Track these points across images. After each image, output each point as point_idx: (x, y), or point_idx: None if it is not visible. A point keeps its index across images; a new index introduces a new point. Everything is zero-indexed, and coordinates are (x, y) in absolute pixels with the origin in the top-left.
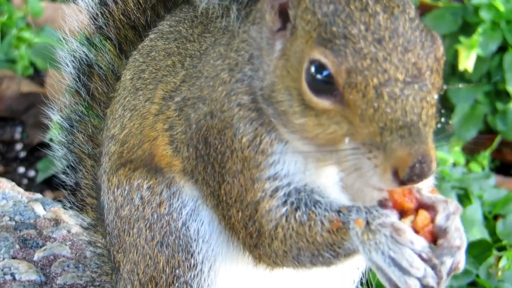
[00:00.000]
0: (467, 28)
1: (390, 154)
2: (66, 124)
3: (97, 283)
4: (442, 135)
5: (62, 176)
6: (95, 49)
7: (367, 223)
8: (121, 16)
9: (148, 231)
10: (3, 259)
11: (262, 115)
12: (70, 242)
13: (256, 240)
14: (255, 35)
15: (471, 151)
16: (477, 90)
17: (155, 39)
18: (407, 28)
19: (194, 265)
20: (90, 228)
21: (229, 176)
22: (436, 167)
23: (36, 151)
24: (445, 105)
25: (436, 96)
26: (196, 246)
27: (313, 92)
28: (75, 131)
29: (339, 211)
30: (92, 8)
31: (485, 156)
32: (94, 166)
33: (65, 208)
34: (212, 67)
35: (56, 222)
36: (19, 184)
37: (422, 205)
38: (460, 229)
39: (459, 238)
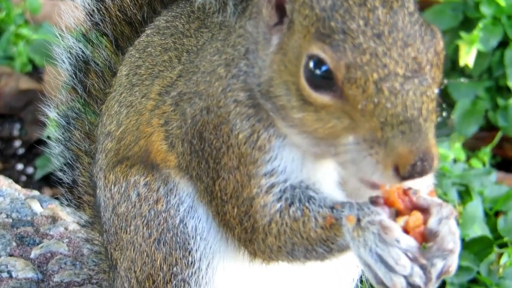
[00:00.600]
0: (467, 24)
1: (391, 150)
2: (63, 121)
3: (95, 281)
4: (443, 130)
5: (59, 174)
6: (91, 46)
7: (358, 220)
8: (118, 12)
9: (145, 228)
10: (0, 256)
11: (259, 111)
12: (67, 240)
13: (250, 235)
14: (252, 29)
15: (472, 147)
16: (478, 86)
17: (152, 35)
18: (407, 23)
19: (191, 263)
20: (87, 226)
21: (225, 172)
22: (438, 163)
23: (35, 148)
24: (446, 101)
25: (436, 91)
26: (193, 243)
27: (312, 87)
28: (71, 128)
29: (332, 208)
30: (88, 4)
31: (486, 152)
32: (91, 163)
33: (62, 205)
34: (209, 62)
35: (53, 219)
36: (17, 181)
37: (418, 207)
38: (455, 233)
39: (452, 241)
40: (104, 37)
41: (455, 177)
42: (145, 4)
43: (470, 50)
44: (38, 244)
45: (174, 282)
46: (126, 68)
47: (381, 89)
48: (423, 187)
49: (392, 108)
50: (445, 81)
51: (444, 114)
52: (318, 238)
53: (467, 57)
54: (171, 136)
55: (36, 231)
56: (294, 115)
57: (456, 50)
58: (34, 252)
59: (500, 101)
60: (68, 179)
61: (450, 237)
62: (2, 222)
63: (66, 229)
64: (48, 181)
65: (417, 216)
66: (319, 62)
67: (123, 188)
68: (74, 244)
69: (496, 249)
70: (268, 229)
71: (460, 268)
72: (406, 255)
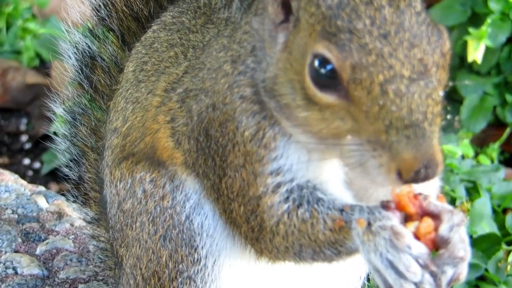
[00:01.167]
0: (476, 19)
1: (395, 155)
2: (69, 117)
3: (100, 278)
4: (450, 129)
5: (65, 170)
6: (98, 41)
7: (369, 224)
8: (124, 8)
9: (151, 225)
10: (5, 252)
11: (264, 108)
12: (73, 236)
13: (257, 234)
14: (258, 26)
15: (480, 143)
16: (486, 82)
17: (158, 31)
18: (413, 23)
19: (197, 260)
20: (93, 222)
21: (231, 170)
22: (442, 169)
23: (42, 143)
24: (454, 97)
25: (441, 93)
26: (200, 240)
27: (316, 86)
28: (78, 124)
29: (342, 210)
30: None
31: (494, 149)
32: (97, 160)
33: (68, 201)
34: (215, 59)
35: (59, 215)
36: (24, 176)
37: (428, 213)
38: (465, 240)
39: (463, 249)
40: (110, 32)
41: (463, 174)
42: None
43: (479, 46)
44: (43, 240)
45: (180, 279)
46: (133, 64)
47: (386, 91)
48: (431, 190)
49: (397, 111)
50: (451, 83)
51: (449, 116)
52: (326, 241)
53: (476, 53)
54: (177, 133)
55: (42, 227)
56: (299, 114)
57: (464, 46)
58: (40, 249)
59: (509, 97)
60: (74, 175)
61: (461, 244)
62: (8, 218)
63: (72, 225)
64: (55, 176)
65: (428, 223)
66: (324, 61)
67: (128, 185)
68: (80, 241)
69: (504, 246)
70: (276, 229)
71: (468, 265)
72: (417, 261)
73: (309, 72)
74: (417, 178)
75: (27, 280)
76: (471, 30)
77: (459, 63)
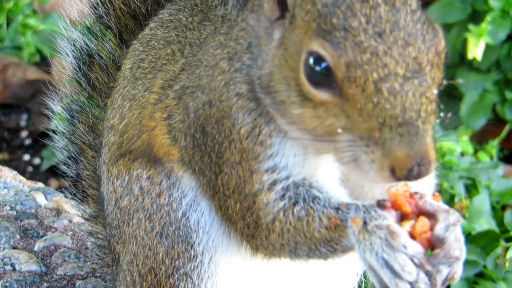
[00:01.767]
0: (476, 16)
1: (388, 152)
2: (67, 115)
3: (98, 274)
4: (447, 126)
5: (63, 167)
6: (95, 39)
7: (364, 223)
8: (122, 5)
9: (147, 221)
10: (3, 249)
11: (260, 105)
12: (71, 232)
13: (253, 230)
14: (253, 23)
15: (479, 140)
16: (486, 79)
17: (155, 28)
18: (408, 21)
19: (194, 256)
20: (91, 219)
21: (227, 167)
22: (435, 167)
23: (42, 139)
24: (454, 94)
25: (436, 91)
26: (196, 237)
27: (311, 83)
28: (75, 121)
29: (337, 208)
30: None
31: (493, 146)
32: (95, 157)
33: (66, 198)
34: (211, 56)
35: (58, 212)
36: (24, 172)
37: (424, 212)
38: (461, 240)
39: (458, 249)
40: (108, 30)
41: (462, 171)
42: None
43: (479, 43)
44: (42, 237)
45: (176, 275)
46: (130, 61)
47: (380, 89)
48: (427, 189)
49: (391, 109)
50: (451, 81)
51: (442, 114)
52: (322, 238)
53: (475, 50)
54: (174, 130)
55: (40, 223)
56: (293, 111)
57: (464, 43)
58: (38, 245)
59: (508, 94)
60: (72, 172)
61: (457, 244)
62: (6, 214)
63: (70, 221)
64: (54, 172)
65: (424, 222)
66: (319, 59)
67: (125, 182)
68: (78, 237)
69: (502, 243)
70: (271, 226)
71: (466, 262)
72: (413, 261)
73: (304, 69)
74: (410, 175)
75: (25, 277)
76: (471, 27)
77: (459, 60)
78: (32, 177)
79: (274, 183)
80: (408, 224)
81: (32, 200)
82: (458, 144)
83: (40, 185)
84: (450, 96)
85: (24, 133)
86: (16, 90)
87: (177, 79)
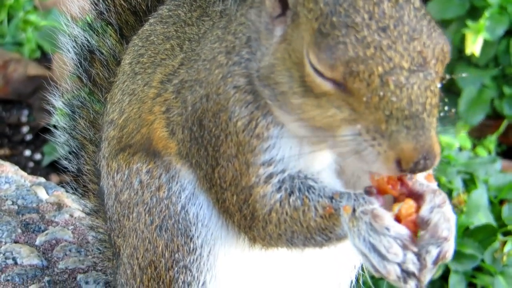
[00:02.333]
0: (474, 12)
1: (395, 145)
2: (68, 110)
3: (99, 268)
4: (447, 120)
5: (65, 162)
6: (96, 35)
7: (353, 210)
8: (122, 2)
9: (147, 215)
10: (5, 243)
11: (258, 97)
12: (72, 227)
13: (250, 222)
14: (254, 18)
15: (477, 135)
16: (484, 75)
17: (154, 24)
18: (412, 17)
19: (193, 249)
20: (92, 214)
21: (224, 160)
22: (439, 160)
23: (43, 134)
24: (452, 89)
25: (439, 85)
26: (195, 230)
27: (317, 74)
28: (77, 117)
29: (331, 198)
30: None
31: (491, 141)
32: (96, 152)
33: (68, 192)
34: (209, 50)
35: (59, 206)
36: (25, 167)
37: (413, 193)
38: (450, 220)
39: (447, 229)
40: (109, 26)
41: (460, 165)
42: None
43: (477, 39)
44: (43, 231)
45: (176, 268)
46: (129, 56)
47: (386, 82)
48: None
49: (397, 102)
50: (449, 76)
51: (446, 108)
52: (317, 227)
53: (474, 46)
54: (172, 123)
55: (41, 218)
56: (295, 100)
57: (462, 39)
58: (39, 239)
59: (506, 90)
60: (73, 167)
61: (445, 224)
62: (8, 209)
63: (71, 216)
64: (55, 168)
65: (409, 204)
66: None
67: (125, 176)
68: (79, 231)
69: (500, 237)
70: (268, 218)
71: (464, 256)
72: (398, 243)
73: (309, 62)
74: (416, 168)
75: (26, 270)
76: (469, 23)
77: (458, 56)
78: (33, 172)
79: (270, 176)
80: (397, 207)
81: (34, 195)
82: (456, 139)
83: (42, 180)
84: (448, 91)
85: (25, 129)
86: (17, 86)
87: (176, 74)
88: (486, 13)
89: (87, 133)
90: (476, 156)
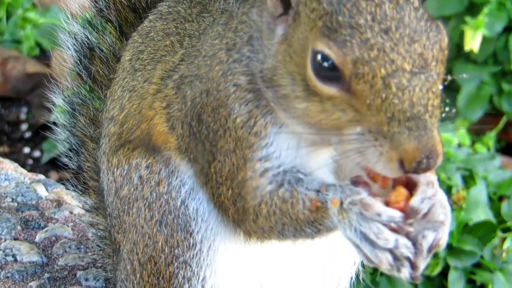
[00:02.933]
0: (473, 9)
1: (397, 145)
2: (68, 107)
3: (99, 265)
4: (447, 116)
5: (65, 159)
6: (96, 32)
7: (341, 203)
8: None
9: (147, 210)
10: (5, 240)
11: (258, 96)
12: (72, 223)
13: (242, 215)
14: (255, 17)
15: (476, 132)
16: (483, 71)
17: (154, 20)
18: (413, 18)
19: (193, 245)
20: (92, 211)
21: (221, 155)
22: (441, 160)
23: (42, 132)
24: (451, 86)
25: (440, 86)
26: (195, 225)
27: (319, 78)
28: (77, 114)
29: (318, 191)
30: None
31: (490, 137)
32: (96, 149)
33: (67, 189)
34: (210, 46)
35: (58, 203)
36: (24, 164)
37: (411, 181)
38: (446, 206)
39: (443, 214)
40: (108, 23)
41: (460, 162)
42: None
43: (475, 35)
44: (43, 228)
45: (176, 264)
46: (129, 53)
47: (388, 84)
48: None
49: (399, 104)
50: (450, 76)
51: (448, 107)
52: (306, 220)
53: (472, 42)
54: (172, 118)
55: (41, 215)
56: (298, 105)
57: (461, 35)
58: (39, 236)
59: (505, 86)
60: (73, 164)
61: (441, 210)
62: (7, 206)
63: (71, 213)
64: (55, 165)
65: (400, 191)
66: (325, 57)
67: (125, 171)
68: (79, 228)
69: (499, 234)
70: (258, 209)
71: (464, 252)
72: (390, 226)
73: (312, 65)
74: (418, 168)
75: (26, 267)
76: (468, 19)
77: (456, 53)
78: (32, 169)
79: (266, 170)
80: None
81: (33, 192)
82: (456, 136)
83: (41, 177)
84: (447, 88)
85: (24, 126)
86: (16, 83)
87: (176, 70)
88: (485, 10)
89: (87, 130)
90: (475, 152)
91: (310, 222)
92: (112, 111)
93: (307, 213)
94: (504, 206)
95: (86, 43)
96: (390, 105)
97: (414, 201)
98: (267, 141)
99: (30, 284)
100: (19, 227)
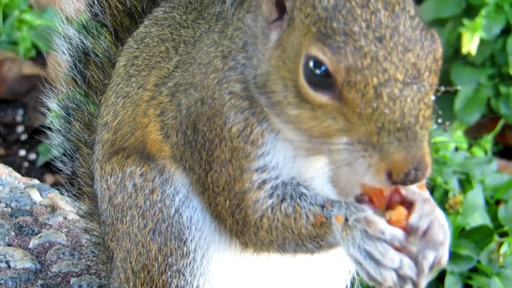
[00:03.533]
0: (470, 11)
1: (386, 156)
2: (63, 112)
3: (93, 271)
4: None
5: (59, 165)
6: (91, 37)
7: (346, 219)
8: (117, 3)
9: (140, 218)
10: None
11: (253, 104)
12: (66, 229)
13: (242, 227)
14: (250, 23)
15: (474, 135)
16: (480, 74)
17: (149, 26)
18: (408, 27)
19: (186, 253)
20: (86, 217)
21: (217, 165)
22: (430, 171)
23: (37, 134)
24: (448, 89)
25: (433, 97)
26: (188, 233)
27: (310, 86)
28: (71, 119)
29: (323, 206)
30: None
31: (488, 140)
32: (91, 154)
33: (62, 194)
34: (205, 54)
35: (53, 208)
36: (19, 167)
37: (406, 201)
38: (444, 225)
39: (442, 233)
40: (104, 28)
41: (456, 166)
42: None
43: (473, 37)
44: (36, 234)
45: (169, 272)
46: (124, 58)
47: (380, 94)
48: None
49: (390, 114)
50: (443, 88)
51: (440, 120)
52: (308, 235)
53: (470, 45)
54: (166, 126)
55: (35, 220)
56: (290, 111)
57: (458, 38)
58: (33, 242)
59: (503, 89)
60: (68, 170)
61: (440, 229)
62: (1, 211)
63: (65, 218)
64: (50, 168)
65: (400, 211)
66: (318, 63)
67: (119, 179)
68: (73, 234)
69: (496, 238)
70: (259, 223)
71: (460, 257)
72: (394, 245)
73: (304, 72)
74: (406, 179)
75: (20, 274)
76: (465, 22)
77: (454, 55)
78: (28, 172)
79: (263, 182)
80: (388, 214)
81: (27, 197)
82: (452, 139)
83: (35, 182)
84: (444, 91)
85: (20, 128)
86: (12, 85)
87: (171, 76)
88: (483, 12)
89: (82, 135)
90: (472, 156)
91: (312, 237)
92: (106, 117)
93: (310, 228)
94: (501, 210)
95: (81, 47)
96: (380, 115)
97: (413, 218)
98: (264, 149)
99: None
100: (12, 233)
